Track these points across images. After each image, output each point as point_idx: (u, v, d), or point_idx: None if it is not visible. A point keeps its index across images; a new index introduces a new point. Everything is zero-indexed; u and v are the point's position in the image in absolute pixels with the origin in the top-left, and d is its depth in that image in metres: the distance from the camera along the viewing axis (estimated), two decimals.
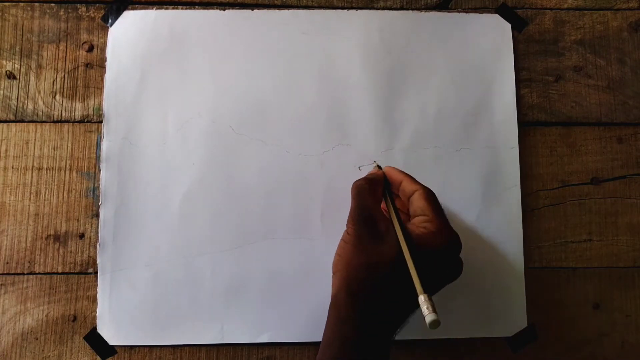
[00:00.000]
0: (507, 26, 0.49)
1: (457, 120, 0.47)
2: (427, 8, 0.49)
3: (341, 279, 0.35)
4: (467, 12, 0.49)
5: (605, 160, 0.48)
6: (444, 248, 0.35)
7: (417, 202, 0.37)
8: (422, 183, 0.38)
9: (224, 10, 0.48)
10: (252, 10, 0.48)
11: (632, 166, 0.48)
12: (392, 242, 0.35)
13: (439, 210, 0.36)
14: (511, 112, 0.47)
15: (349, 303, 0.34)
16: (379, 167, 0.44)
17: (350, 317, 0.34)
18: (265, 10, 0.48)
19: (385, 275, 0.34)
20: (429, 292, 0.32)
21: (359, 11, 0.48)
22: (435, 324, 0.30)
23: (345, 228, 0.38)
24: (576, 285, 0.47)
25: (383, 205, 0.40)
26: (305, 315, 0.44)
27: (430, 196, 0.37)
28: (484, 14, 0.49)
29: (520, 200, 0.46)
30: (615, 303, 0.47)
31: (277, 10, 0.48)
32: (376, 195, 0.39)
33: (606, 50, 0.49)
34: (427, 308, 0.31)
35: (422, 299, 0.31)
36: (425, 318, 0.30)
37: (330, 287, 0.36)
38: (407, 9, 0.49)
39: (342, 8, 0.48)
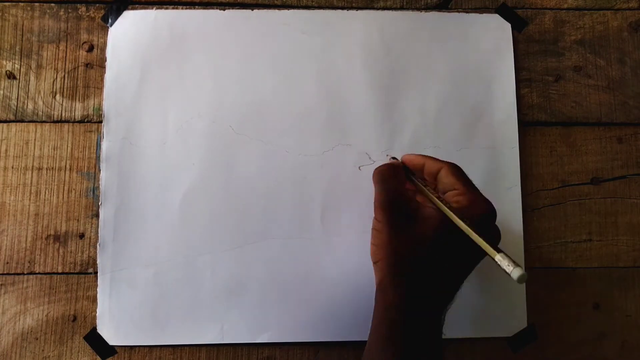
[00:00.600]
0: (507, 26, 0.49)
1: (457, 120, 0.47)
2: (427, 8, 0.49)
3: (384, 267, 0.34)
4: (467, 12, 0.49)
5: (605, 160, 0.48)
6: (481, 218, 0.34)
7: (445, 179, 0.36)
8: (441, 160, 0.38)
9: (224, 10, 0.48)
10: (252, 10, 0.48)
11: (632, 166, 0.48)
12: (427, 219, 0.35)
13: (469, 182, 0.36)
14: (511, 112, 0.47)
15: (395, 287, 0.34)
16: (395, 158, 0.43)
17: (397, 301, 0.33)
18: (265, 10, 0.48)
19: (427, 253, 0.34)
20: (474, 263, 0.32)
21: (359, 11, 0.48)
22: (523, 277, 0.29)
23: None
24: (576, 285, 0.47)
25: (407, 185, 0.40)
26: (305, 315, 0.44)
27: (456, 170, 0.37)
28: (484, 14, 0.49)
29: (520, 200, 0.46)
30: (615, 303, 0.47)
31: (277, 10, 0.48)
32: (400, 179, 0.39)
33: (606, 50, 0.49)
34: (509, 264, 0.30)
35: (499, 257, 0.30)
36: (511, 274, 0.29)
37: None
38: (407, 9, 0.49)
39: (342, 8, 0.48)
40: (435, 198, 0.36)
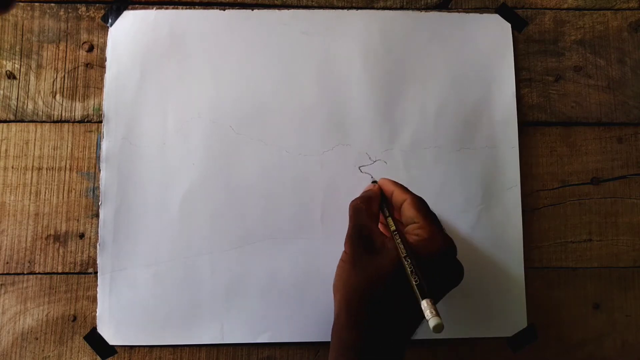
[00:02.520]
0: (507, 26, 0.49)
1: (457, 120, 0.47)
2: (427, 8, 0.49)
3: (341, 300, 0.35)
4: (467, 12, 0.49)
5: (605, 160, 0.48)
6: (439, 254, 0.34)
7: (407, 211, 0.37)
8: (412, 191, 0.39)
9: (224, 10, 0.48)
10: (252, 10, 0.48)
11: (632, 166, 0.48)
12: (389, 254, 0.35)
13: (430, 216, 0.36)
14: (511, 112, 0.47)
15: (352, 328, 0.33)
16: (375, 182, 0.44)
17: (355, 343, 0.33)
18: (265, 10, 0.48)
19: (385, 289, 0.34)
20: (431, 297, 0.32)
21: (359, 11, 0.48)
22: (438, 327, 0.30)
23: (346, 225, 0.38)
24: (576, 285, 0.47)
25: (383, 219, 0.40)
26: (305, 315, 0.44)
27: (418, 203, 0.37)
28: (484, 14, 0.49)
29: (520, 200, 0.46)
30: (615, 303, 0.47)
31: (277, 10, 0.48)
32: (372, 213, 0.39)
33: (606, 50, 0.49)
34: (430, 312, 0.30)
35: (424, 303, 0.31)
36: (429, 322, 0.30)
37: (330, 289, 0.36)
38: (407, 9, 0.49)
39: (342, 8, 0.48)
40: (392, 228, 0.36)
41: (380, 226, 0.40)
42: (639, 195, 0.48)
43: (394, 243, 0.35)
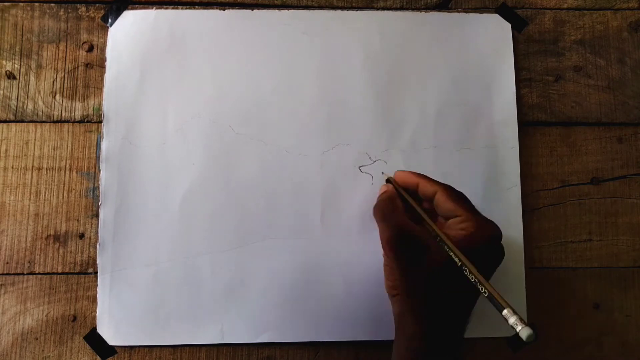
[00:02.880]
0: (507, 26, 0.49)
1: (457, 120, 0.47)
2: (427, 8, 0.49)
3: (402, 301, 0.35)
4: (467, 12, 0.49)
5: (605, 160, 0.48)
6: (490, 242, 0.35)
7: (444, 204, 0.36)
8: (434, 181, 0.38)
9: (224, 10, 0.48)
10: (252, 10, 0.48)
11: (632, 166, 0.48)
12: (438, 253, 0.35)
13: (469, 206, 0.36)
14: (511, 112, 0.47)
15: (415, 318, 0.35)
16: (388, 179, 0.43)
17: (419, 331, 0.34)
18: (265, 10, 0.48)
19: (441, 283, 0.34)
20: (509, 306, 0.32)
21: (359, 11, 0.48)
22: (531, 337, 0.28)
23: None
24: (576, 285, 0.47)
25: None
26: (305, 315, 0.44)
27: (454, 194, 0.37)
28: (484, 14, 0.49)
29: (520, 201, 0.46)
30: (615, 303, 0.47)
31: (277, 10, 0.48)
32: (399, 209, 0.38)
33: (606, 50, 0.49)
34: (516, 322, 0.29)
35: (506, 313, 0.29)
36: (520, 333, 0.28)
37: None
38: (407, 9, 0.49)
39: (342, 8, 0.48)
40: (445, 240, 0.35)
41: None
42: (639, 195, 0.48)
43: (435, 243, 0.35)
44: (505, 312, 0.29)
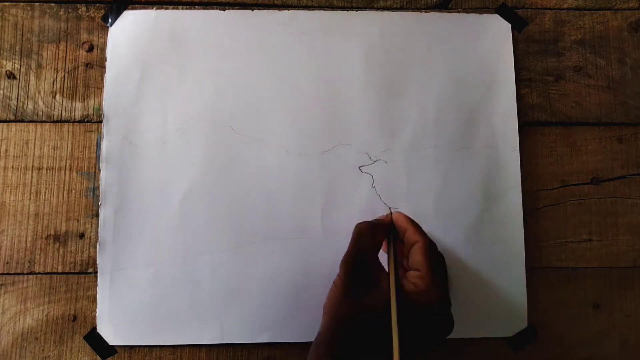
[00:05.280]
0: (507, 26, 0.49)
1: (457, 120, 0.47)
2: (427, 8, 0.49)
3: (326, 323, 0.35)
4: (467, 12, 0.49)
5: (605, 160, 0.48)
6: (431, 308, 0.34)
7: (415, 256, 0.36)
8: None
9: (224, 10, 0.48)
10: (252, 10, 0.48)
11: (632, 166, 0.48)
12: (381, 293, 0.35)
13: (434, 266, 0.36)
14: (511, 112, 0.47)
15: (329, 347, 0.34)
16: (390, 214, 0.43)
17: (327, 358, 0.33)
18: (265, 11, 0.48)
19: (369, 326, 0.34)
20: (413, 349, 0.32)
21: (359, 11, 0.48)
22: None
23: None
24: (576, 285, 0.47)
25: (385, 247, 0.40)
26: (305, 315, 0.44)
27: (428, 250, 0.36)
28: (484, 14, 0.49)
29: (521, 200, 0.46)
30: (615, 303, 0.47)
31: (277, 11, 0.48)
32: (376, 241, 0.38)
33: (606, 50, 0.49)
34: None
35: None
36: None
37: (326, 292, 0.37)
38: (407, 9, 0.49)
39: (342, 8, 0.48)
40: (392, 272, 0.36)
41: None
42: (639, 195, 0.48)
43: (387, 283, 0.35)
44: None
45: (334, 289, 0.36)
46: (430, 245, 0.37)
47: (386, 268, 0.38)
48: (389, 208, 0.45)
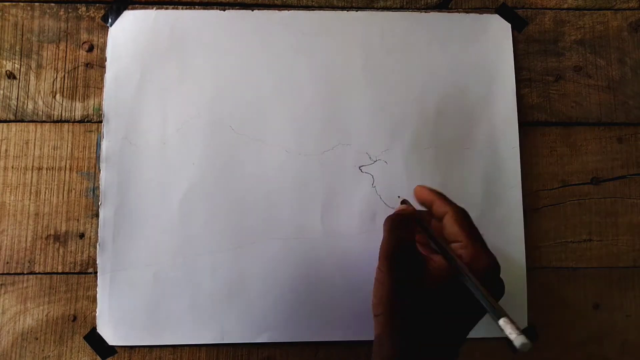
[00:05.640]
0: (507, 26, 0.49)
1: (457, 120, 0.47)
2: (427, 8, 0.49)
3: (384, 322, 0.34)
4: (467, 12, 0.49)
5: (605, 160, 0.48)
6: (483, 275, 0.33)
7: (450, 227, 0.36)
8: (448, 202, 0.37)
9: (224, 10, 0.48)
10: (252, 10, 0.48)
11: (632, 166, 0.48)
12: (432, 273, 0.34)
13: (473, 233, 0.35)
14: (511, 112, 0.47)
15: (393, 342, 0.33)
16: (405, 201, 0.43)
17: (392, 357, 0.33)
18: (265, 11, 0.48)
19: (428, 309, 0.33)
20: (475, 320, 0.32)
21: (359, 11, 0.48)
22: (527, 346, 0.28)
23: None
24: (576, 285, 0.47)
25: (418, 237, 0.39)
26: (305, 315, 0.44)
27: (462, 218, 0.36)
28: (484, 14, 0.49)
29: (521, 201, 0.46)
30: (615, 303, 0.47)
31: (277, 11, 0.48)
32: (410, 229, 0.37)
33: (606, 50, 0.49)
34: (513, 330, 0.29)
35: (502, 322, 0.29)
36: (514, 342, 0.28)
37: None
38: (407, 9, 0.49)
39: (342, 8, 0.48)
40: (445, 246, 0.35)
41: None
42: (639, 195, 0.48)
43: (434, 264, 0.35)
44: (501, 321, 0.29)
45: (380, 285, 0.35)
46: (461, 212, 0.36)
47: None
48: (399, 196, 0.45)
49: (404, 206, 0.42)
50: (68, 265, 0.45)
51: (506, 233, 0.46)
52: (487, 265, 0.34)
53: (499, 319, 0.29)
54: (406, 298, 0.34)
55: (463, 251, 0.34)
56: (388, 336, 0.33)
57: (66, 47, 0.47)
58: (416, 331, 0.33)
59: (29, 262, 0.45)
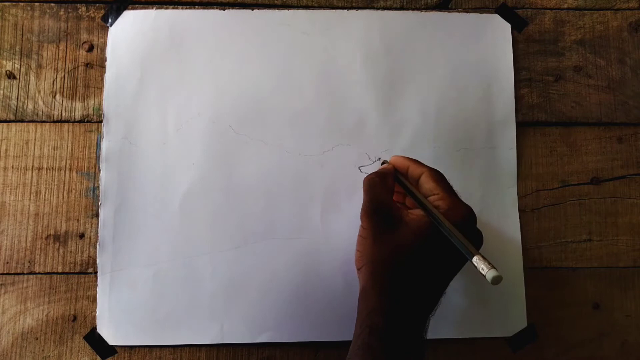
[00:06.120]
0: (507, 26, 0.49)
1: (457, 121, 0.47)
2: (427, 8, 0.49)
3: (367, 273, 0.35)
4: (467, 12, 0.49)
5: (605, 160, 0.48)
6: (461, 223, 0.35)
7: (426, 184, 0.37)
8: (422, 165, 0.39)
9: (224, 10, 0.48)
10: (252, 10, 0.48)
11: (632, 166, 0.48)
12: (410, 224, 0.36)
13: (448, 187, 0.37)
14: (510, 113, 0.47)
15: (378, 293, 0.34)
16: (385, 162, 0.44)
17: (379, 306, 0.34)
18: (265, 10, 0.48)
19: (410, 259, 0.35)
20: (456, 268, 0.34)
21: (359, 11, 0.48)
22: (497, 279, 0.30)
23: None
24: (576, 285, 0.47)
25: (395, 197, 0.41)
26: (305, 315, 0.44)
27: (436, 175, 0.38)
28: (484, 14, 0.49)
29: (517, 201, 0.46)
30: (615, 303, 0.47)
31: (277, 10, 0.48)
32: (388, 187, 0.39)
33: (606, 50, 0.49)
34: (485, 266, 0.31)
35: (475, 260, 0.31)
36: (486, 276, 0.30)
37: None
38: (407, 9, 0.49)
39: (342, 8, 0.48)
40: (421, 197, 0.37)
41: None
42: (639, 195, 0.48)
43: (412, 216, 0.36)
44: (474, 258, 0.31)
45: (362, 240, 0.37)
46: (436, 171, 0.38)
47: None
48: (379, 158, 0.46)
49: (383, 166, 0.43)
50: (68, 265, 0.45)
51: (504, 233, 0.46)
52: (464, 214, 0.35)
53: (472, 257, 0.31)
54: (387, 250, 0.35)
55: (440, 202, 0.36)
56: (371, 287, 0.35)
57: (66, 47, 0.47)
58: (399, 282, 0.34)
59: (29, 262, 0.45)
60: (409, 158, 0.40)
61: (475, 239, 0.36)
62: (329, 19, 0.48)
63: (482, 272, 0.31)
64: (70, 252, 0.45)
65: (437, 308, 0.36)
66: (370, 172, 0.46)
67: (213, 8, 0.48)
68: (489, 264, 0.31)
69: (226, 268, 0.45)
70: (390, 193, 0.39)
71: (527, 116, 0.48)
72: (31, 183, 0.46)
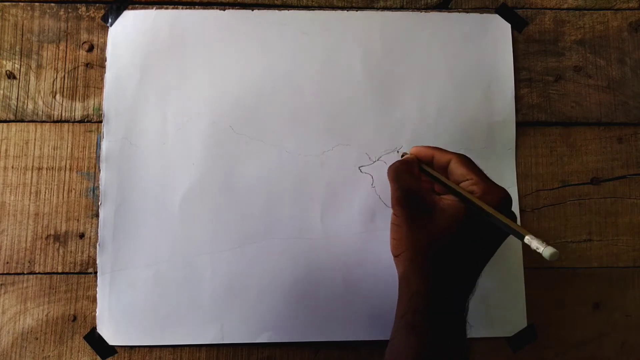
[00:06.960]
0: (507, 26, 0.49)
1: (457, 121, 0.47)
2: (427, 8, 0.49)
3: (406, 259, 0.36)
4: (467, 12, 0.49)
5: (605, 160, 0.48)
6: (499, 206, 0.35)
7: (457, 170, 0.37)
8: (448, 151, 0.39)
9: (224, 10, 0.48)
10: (252, 10, 0.48)
11: (632, 166, 0.48)
12: (445, 210, 0.36)
13: (480, 171, 0.37)
14: (509, 113, 0.47)
15: (419, 276, 0.35)
16: (404, 154, 0.43)
17: (422, 289, 0.35)
18: (265, 10, 0.48)
19: (447, 243, 0.35)
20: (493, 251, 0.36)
21: (359, 11, 0.48)
22: (555, 255, 0.30)
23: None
24: (576, 285, 0.47)
25: (423, 184, 0.41)
26: (305, 315, 0.44)
27: (466, 160, 0.38)
28: (484, 14, 0.49)
29: (517, 201, 0.46)
30: (615, 303, 0.47)
31: (277, 11, 0.48)
32: (414, 175, 0.39)
33: (606, 50, 0.49)
34: (539, 243, 0.31)
35: (527, 238, 0.31)
36: (543, 253, 0.30)
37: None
38: (407, 9, 0.49)
39: (342, 8, 0.48)
40: (454, 185, 0.37)
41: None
42: (639, 195, 0.48)
43: (445, 202, 0.37)
44: (527, 237, 0.31)
45: (396, 228, 0.37)
46: (464, 156, 0.38)
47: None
48: (398, 151, 0.46)
49: (404, 158, 0.42)
50: (68, 265, 0.45)
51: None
52: (501, 196, 0.35)
53: (523, 237, 0.32)
54: (424, 236, 0.36)
55: (475, 187, 0.36)
56: (413, 273, 0.35)
57: (66, 47, 0.47)
58: (438, 266, 0.35)
59: (29, 262, 0.45)
60: (431, 147, 0.40)
61: (514, 220, 0.36)
62: (329, 19, 0.48)
63: (538, 250, 0.31)
64: (70, 252, 0.45)
65: (474, 290, 0.37)
66: (370, 172, 0.46)
67: (213, 8, 0.48)
68: (542, 241, 0.31)
69: (226, 268, 0.45)
70: (418, 180, 0.39)
71: (527, 116, 0.48)
72: (31, 183, 0.46)
